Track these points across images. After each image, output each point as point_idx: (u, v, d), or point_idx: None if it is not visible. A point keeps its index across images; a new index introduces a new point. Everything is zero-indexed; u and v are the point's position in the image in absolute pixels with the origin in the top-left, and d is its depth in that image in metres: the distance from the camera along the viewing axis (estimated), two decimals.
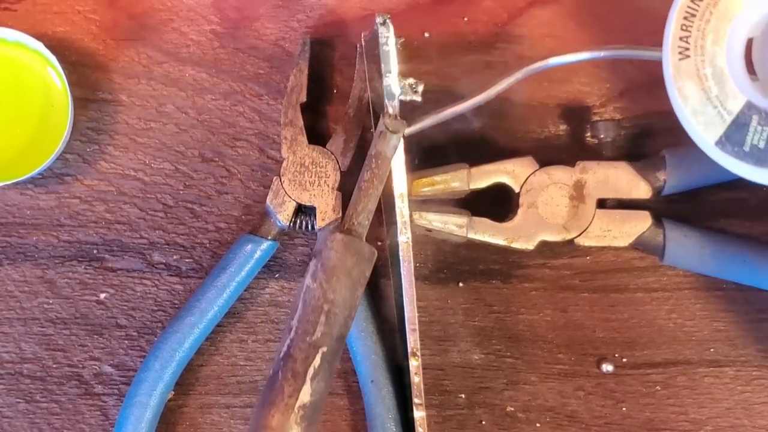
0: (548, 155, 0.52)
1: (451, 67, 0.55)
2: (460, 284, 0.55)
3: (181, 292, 0.54)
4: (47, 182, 0.54)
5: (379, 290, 0.54)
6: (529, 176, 0.51)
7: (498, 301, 0.55)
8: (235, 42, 0.55)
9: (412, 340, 0.49)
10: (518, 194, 0.51)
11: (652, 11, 0.55)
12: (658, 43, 0.54)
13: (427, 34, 0.55)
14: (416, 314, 0.48)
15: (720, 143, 0.43)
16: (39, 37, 0.52)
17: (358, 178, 0.46)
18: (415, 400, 0.49)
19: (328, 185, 0.52)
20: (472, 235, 0.51)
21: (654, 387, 0.55)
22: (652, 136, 0.54)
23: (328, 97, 0.55)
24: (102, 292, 0.54)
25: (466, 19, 0.55)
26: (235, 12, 0.55)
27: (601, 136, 0.52)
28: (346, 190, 0.52)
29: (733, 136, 0.43)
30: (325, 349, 0.42)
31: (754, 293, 0.54)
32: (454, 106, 0.49)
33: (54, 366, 0.54)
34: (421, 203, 0.51)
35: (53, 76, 0.53)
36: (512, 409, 0.55)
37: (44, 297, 0.54)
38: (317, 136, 0.53)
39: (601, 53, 0.48)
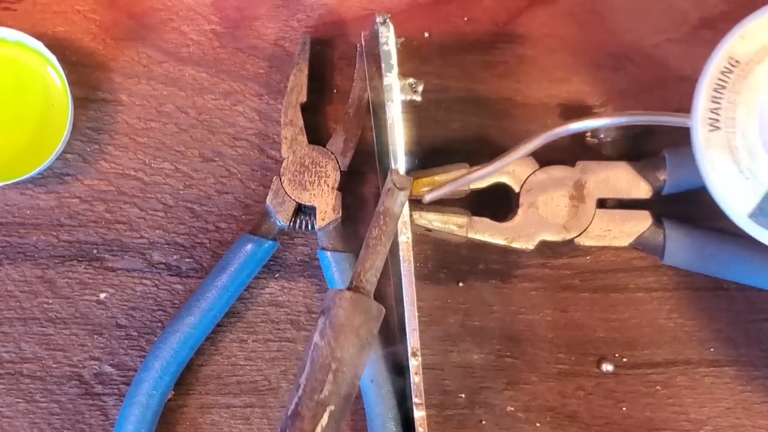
0: (548, 155, 0.52)
1: (451, 66, 0.55)
2: (460, 284, 0.55)
3: (181, 291, 0.54)
4: (47, 182, 0.54)
5: (379, 290, 0.54)
6: (529, 176, 0.51)
7: (498, 301, 0.55)
8: (235, 42, 0.55)
9: (412, 340, 0.49)
10: (518, 194, 0.51)
11: (654, 10, 0.55)
12: (659, 42, 0.54)
13: (427, 34, 0.55)
14: (416, 314, 0.48)
15: (753, 216, 0.42)
16: (39, 36, 0.52)
17: (366, 236, 0.45)
18: (415, 400, 0.49)
19: (328, 185, 0.52)
20: (472, 235, 0.51)
21: (654, 387, 0.55)
22: (652, 135, 0.54)
23: (328, 97, 0.55)
24: (102, 291, 0.54)
25: (466, 18, 0.55)
26: (235, 11, 0.55)
27: (602, 135, 0.52)
28: (346, 189, 0.52)
29: (767, 208, 0.42)
30: (332, 407, 0.42)
31: (754, 293, 0.54)
32: (469, 174, 0.49)
33: (54, 366, 0.54)
34: (421, 203, 0.51)
35: (53, 76, 0.53)
36: (512, 408, 0.55)
37: (44, 297, 0.54)
38: (317, 136, 0.53)
39: (623, 119, 0.46)
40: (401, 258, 0.48)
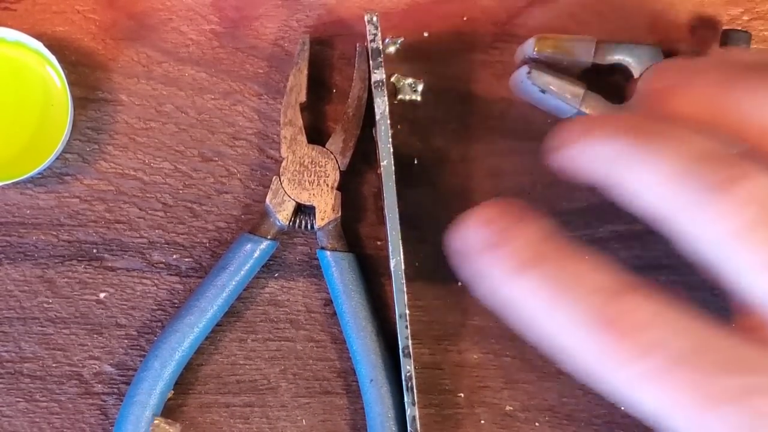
0: None
1: (451, 66, 0.55)
2: (459, 283, 0.55)
3: (181, 291, 0.55)
4: (47, 182, 0.54)
5: (379, 290, 0.54)
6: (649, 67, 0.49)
7: None
8: (234, 41, 0.55)
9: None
10: (635, 80, 0.50)
11: (654, 11, 0.55)
12: (657, 43, 0.55)
13: (426, 34, 0.55)
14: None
15: None
16: (38, 36, 0.52)
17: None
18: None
19: (327, 184, 0.52)
20: (584, 109, 0.49)
21: None
22: None
23: (328, 97, 0.55)
24: (102, 291, 0.54)
25: (465, 18, 0.55)
26: (234, 11, 0.55)
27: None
28: (346, 189, 0.53)
29: None
30: None
31: None
32: None
33: (54, 365, 0.54)
34: (541, 62, 0.50)
35: (53, 76, 0.53)
36: (511, 408, 0.55)
37: (44, 296, 0.54)
38: (317, 136, 0.53)
39: None
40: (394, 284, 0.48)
